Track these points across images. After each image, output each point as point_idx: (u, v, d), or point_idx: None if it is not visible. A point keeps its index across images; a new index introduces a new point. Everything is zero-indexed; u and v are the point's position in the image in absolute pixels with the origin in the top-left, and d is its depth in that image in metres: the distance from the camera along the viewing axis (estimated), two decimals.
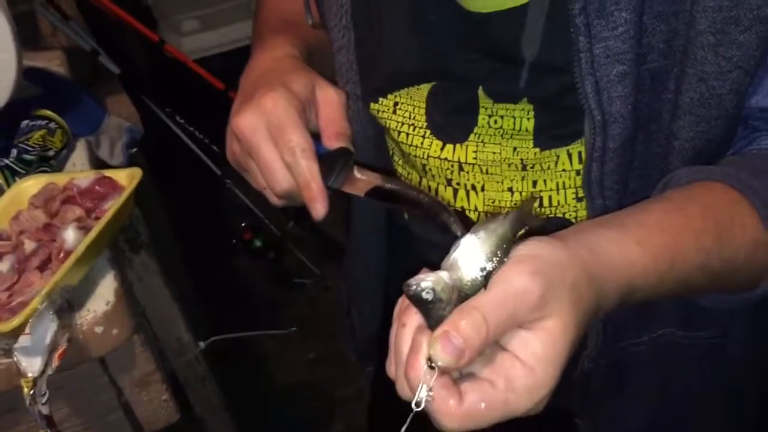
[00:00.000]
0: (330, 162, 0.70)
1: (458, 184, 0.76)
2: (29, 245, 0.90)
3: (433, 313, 0.48)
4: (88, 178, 0.98)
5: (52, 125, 1.15)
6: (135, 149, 1.50)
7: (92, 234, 0.87)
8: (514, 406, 0.47)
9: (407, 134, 0.76)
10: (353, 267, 1.01)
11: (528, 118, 0.69)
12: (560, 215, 0.73)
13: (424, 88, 0.75)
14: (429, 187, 0.79)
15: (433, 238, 0.81)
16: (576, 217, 0.73)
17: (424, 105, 0.75)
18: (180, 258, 2.21)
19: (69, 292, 0.84)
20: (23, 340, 0.76)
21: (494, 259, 0.49)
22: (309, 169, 0.68)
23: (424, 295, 0.47)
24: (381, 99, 0.78)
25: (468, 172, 0.74)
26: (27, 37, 1.22)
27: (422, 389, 0.47)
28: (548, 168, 0.71)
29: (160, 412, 1.05)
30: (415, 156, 0.77)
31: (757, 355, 0.83)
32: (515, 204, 0.74)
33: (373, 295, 1.00)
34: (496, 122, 0.71)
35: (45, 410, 0.78)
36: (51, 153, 1.12)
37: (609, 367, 0.80)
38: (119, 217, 0.94)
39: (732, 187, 0.61)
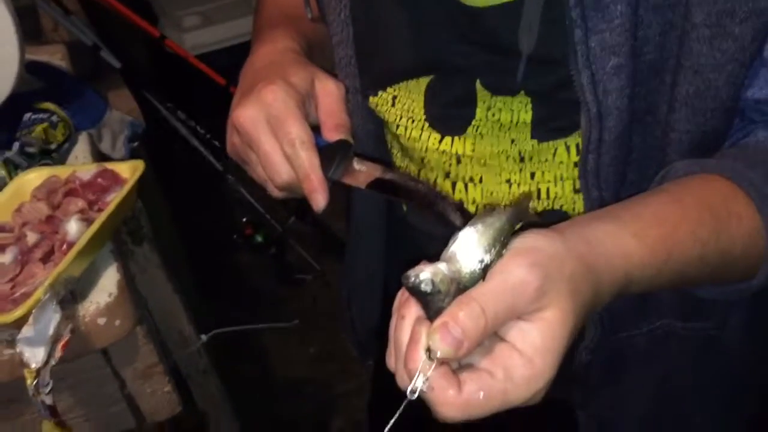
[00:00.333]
0: (330, 154, 0.71)
1: (456, 176, 0.76)
2: (32, 237, 0.90)
3: (432, 305, 0.48)
4: (90, 170, 0.99)
5: (54, 118, 1.16)
6: (136, 143, 1.51)
7: (95, 226, 0.88)
8: (512, 396, 0.47)
9: (406, 127, 0.77)
10: (353, 260, 1.01)
11: (526, 111, 0.70)
12: (558, 207, 0.74)
13: (423, 82, 0.75)
14: (428, 179, 0.79)
15: (432, 230, 0.82)
16: (574, 209, 0.74)
17: (422, 98, 0.75)
18: (181, 253, 2.21)
19: (72, 283, 0.85)
20: (26, 331, 0.76)
21: (492, 251, 0.49)
22: (309, 161, 0.68)
23: (422, 286, 0.48)
24: (380, 92, 0.78)
25: (466, 165, 0.75)
26: (29, 32, 1.22)
27: (419, 378, 0.47)
28: (546, 160, 0.72)
29: (163, 404, 1.06)
30: (414, 149, 0.77)
31: (755, 346, 0.84)
32: (513, 196, 0.74)
33: (373, 288, 1.00)
34: (493, 115, 0.71)
35: (48, 401, 0.79)
36: (53, 146, 1.13)
37: (607, 358, 0.80)
38: (121, 209, 0.94)
39: (728, 179, 0.61)
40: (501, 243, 0.49)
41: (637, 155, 0.68)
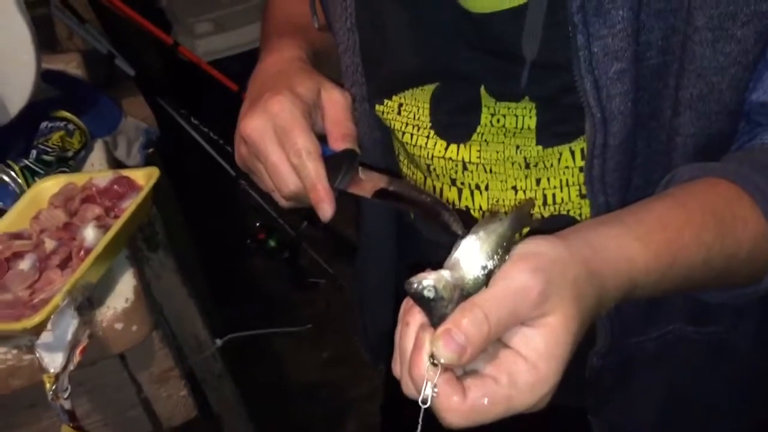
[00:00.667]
0: (336, 163, 0.71)
1: (462, 183, 0.76)
2: (50, 244, 0.91)
3: (435, 311, 0.48)
4: (106, 177, 1.00)
5: (71, 126, 1.17)
6: (151, 150, 1.52)
7: (111, 232, 0.89)
8: (517, 402, 0.47)
9: (411, 135, 0.77)
10: (364, 265, 1.02)
11: (530, 117, 0.70)
12: (564, 212, 0.74)
13: (428, 89, 0.75)
14: (434, 187, 0.79)
15: (439, 239, 0.82)
16: (580, 214, 0.74)
17: (428, 106, 0.75)
18: (195, 258, 2.23)
19: (89, 289, 0.86)
20: (45, 337, 0.77)
21: (495, 257, 0.49)
22: (315, 171, 0.69)
23: (425, 293, 0.48)
24: (386, 100, 0.79)
25: (472, 172, 0.75)
26: (44, 41, 1.23)
27: (427, 386, 0.47)
28: (551, 166, 0.72)
29: (179, 408, 1.06)
30: (420, 156, 0.78)
31: (766, 350, 0.83)
32: (519, 202, 0.74)
33: (384, 293, 1.00)
34: (498, 121, 0.72)
35: (67, 405, 0.79)
36: (69, 154, 1.14)
37: (618, 363, 0.80)
38: (137, 215, 0.95)
39: (733, 183, 0.61)
40: (503, 249, 0.50)
41: (642, 160, 0.68)
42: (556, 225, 0.57)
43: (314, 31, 0.85)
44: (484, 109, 0.72)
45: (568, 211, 0.74)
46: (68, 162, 1.13)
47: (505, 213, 0.52)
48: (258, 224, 2.49)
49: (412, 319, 0.51)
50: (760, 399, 0.89)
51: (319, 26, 0.84)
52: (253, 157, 0.73)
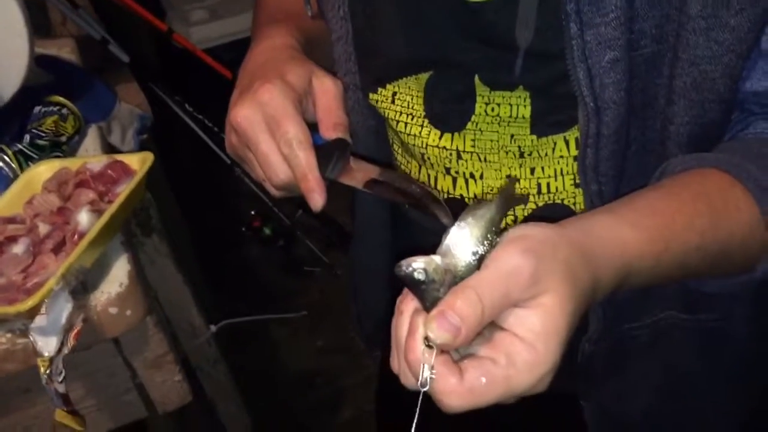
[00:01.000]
0: (327, 152, 0.70)
1: (457, 172, 0.76)
2: (43, 228, 0.91)
3: (427, 295, 0.48)
4: (100, 162, 0.99)
5: (64, 111, 1.16)
6: (145, 135, 1.52)
7: (105, 216, 0.88)
8: (515, 382, 0.47)
9: (406, 123, 0.77)
10: (358, 253, 1.02)
11: (524, 106, 0.70)
12: (558, 201, 0.74)
13: (422, 78, 0.75)
14: (428, 175, 0.79)
15: (434, 227, 0.82)
16: (574, 203, 0.74)
17: (422, 94, 0.75)
18: (190, 244, 2.23)
19: (83, 273, 0.86)
20: (39, 321, 0.77)
21: (485, 242, 0.49)
22: (306, 161, 0.68)
23: (416, 275, 0.47)
24: (380, 89, 0.78)
25: (466, 161, 0.75)
26: (38, 26, 1.22)
27: (425, 369, 0.47)
28: (546, 155, 0.72)
29: (173, 393, 1.06)
30: (414, 145, 0.77)
31: (759, 337, 0.83)
32: (503, 185, 0.74)
33: (378, 281, 1.00)
34: (493, 110, 0.71)
35: (61, 389, 0.79)
36: (63, 138, 1.13)
37: (610, 349, 0.80)
38: (131, 200, 0.95)
39: (726, 172, 0.61)
40: (493, 233, 0.50)
41: (636, 149, 0.68)
42: (550, 214, 0.57)
43: (307, 19, 0.84)
44: (479, 98, 0.72)
45: (563, 200, 0.74)
46: (62, 147, 1.12)
47: (492, 198, 0.52)
48: (253, 212, 2.49)
49: (406, 306, 0.50)
50: (753, 386, 0.89)
51: (311, 14, 0.83)
52: (244, 147, 0.72)
